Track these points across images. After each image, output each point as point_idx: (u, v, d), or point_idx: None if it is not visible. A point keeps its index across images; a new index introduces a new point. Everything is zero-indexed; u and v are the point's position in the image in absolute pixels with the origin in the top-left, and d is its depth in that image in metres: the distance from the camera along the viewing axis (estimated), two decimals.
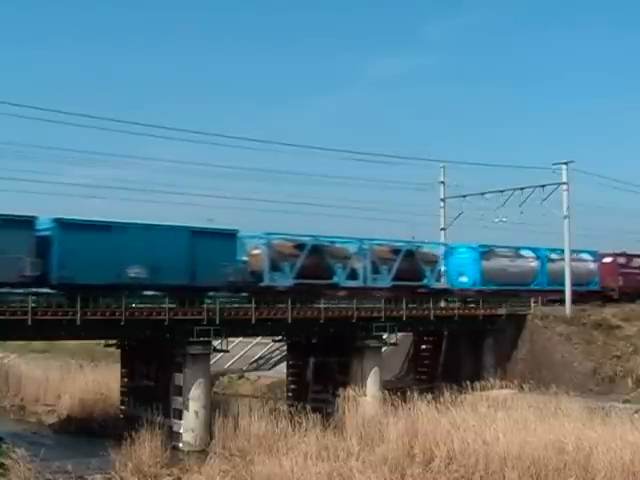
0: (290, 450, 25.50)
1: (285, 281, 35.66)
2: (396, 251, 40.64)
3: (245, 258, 34.57)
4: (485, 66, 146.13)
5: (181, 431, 32.02)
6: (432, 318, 40.13)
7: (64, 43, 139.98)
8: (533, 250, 49.08)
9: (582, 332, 43.52)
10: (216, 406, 32.91)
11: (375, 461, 24.25)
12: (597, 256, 52.83)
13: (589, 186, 55.71)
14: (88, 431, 34.85)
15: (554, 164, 47.53)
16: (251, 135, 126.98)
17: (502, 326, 43.76)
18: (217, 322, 32.29)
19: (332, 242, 38.85)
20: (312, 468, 23.26)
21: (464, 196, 50.82)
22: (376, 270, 39.38)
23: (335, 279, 37.92)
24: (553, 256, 49.10)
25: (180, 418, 32.18)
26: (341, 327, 36.93)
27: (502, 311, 43.60)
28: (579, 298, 48.03)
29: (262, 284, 34.81)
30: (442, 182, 52.12)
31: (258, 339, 48.65)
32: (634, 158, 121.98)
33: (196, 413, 32.03)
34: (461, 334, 44.12)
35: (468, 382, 37.09)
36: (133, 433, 28.15)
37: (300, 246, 36.78)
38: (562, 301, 46.23)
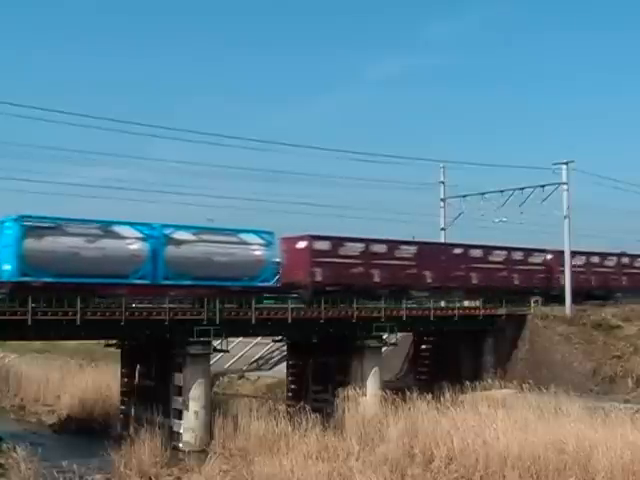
0: (290, 450, 25.54)
1: None
2: None
3: None
4: (485, 66, 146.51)
5: (181, 431, 31.98)
6: (432, 318, 40.15)
7: (64, 43, 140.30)
8: (139, 226, 32.56)
9: (582, 332, 43.55)
10: (216, 406, 32.93)
11: (375, 461, 24.27)
12: (273, 239, 36.19)
13: (589, 186, 55.83)
14: (88, 431, 34.86)
15: (554, 164, 47.55)
16: (251, 135, 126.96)
17: (502, 326, 43.80)
18: (217, 322, 32.28)
19: None
20: (312, 468, 23.27)
21: (464, 196, 50.90)
22: None
23: None
24: (179, 236, 33.25)
25: (180, 418, 32.15)
26: (341, 327, 36.90)
27: (502, 311, 43.67)
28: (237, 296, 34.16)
29: None
30: (442, 182, 52.22)
31: (258, 339, 48.64)
32: (634, 158, 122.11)
33: (196, 413, 31.99)
34: (461, 334, 44.11)
35: (468, 382, 37.05)
36: (133, 433, 28.15)
37: None
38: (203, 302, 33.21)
